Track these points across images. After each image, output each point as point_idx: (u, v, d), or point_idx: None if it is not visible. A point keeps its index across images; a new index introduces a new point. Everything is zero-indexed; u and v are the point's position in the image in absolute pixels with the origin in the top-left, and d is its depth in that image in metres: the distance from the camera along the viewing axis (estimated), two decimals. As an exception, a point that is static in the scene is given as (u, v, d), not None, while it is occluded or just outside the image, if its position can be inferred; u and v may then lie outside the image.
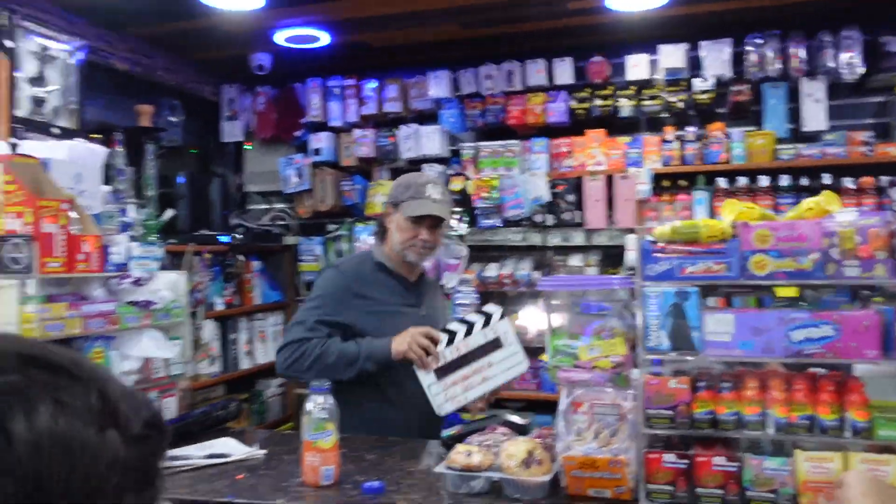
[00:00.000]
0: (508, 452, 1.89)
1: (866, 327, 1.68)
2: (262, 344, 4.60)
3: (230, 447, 2.32)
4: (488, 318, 2.45)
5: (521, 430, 2.20)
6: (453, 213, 2.72)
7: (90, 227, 2.32)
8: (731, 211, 1.87)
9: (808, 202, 1.83)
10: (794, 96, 3.99)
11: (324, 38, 4.21)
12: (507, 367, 2.43)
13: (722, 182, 3.90)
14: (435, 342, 2.39)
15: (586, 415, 1.96)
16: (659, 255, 1.82)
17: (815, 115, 3.90)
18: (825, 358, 1.71)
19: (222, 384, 4.30)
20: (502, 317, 2.47)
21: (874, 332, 1.67)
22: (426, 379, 2.39)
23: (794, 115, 4.00)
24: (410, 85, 4.59)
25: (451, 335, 2.42)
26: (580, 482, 1.84)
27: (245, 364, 4.48)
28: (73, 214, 2.25)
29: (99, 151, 2.51)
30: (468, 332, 2.42)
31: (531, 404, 3.92)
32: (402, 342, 2.38)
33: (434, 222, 2.54)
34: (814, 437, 1.72)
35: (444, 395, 2.39)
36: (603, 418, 1.95)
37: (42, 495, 0.50)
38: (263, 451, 2.31)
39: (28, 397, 0.52)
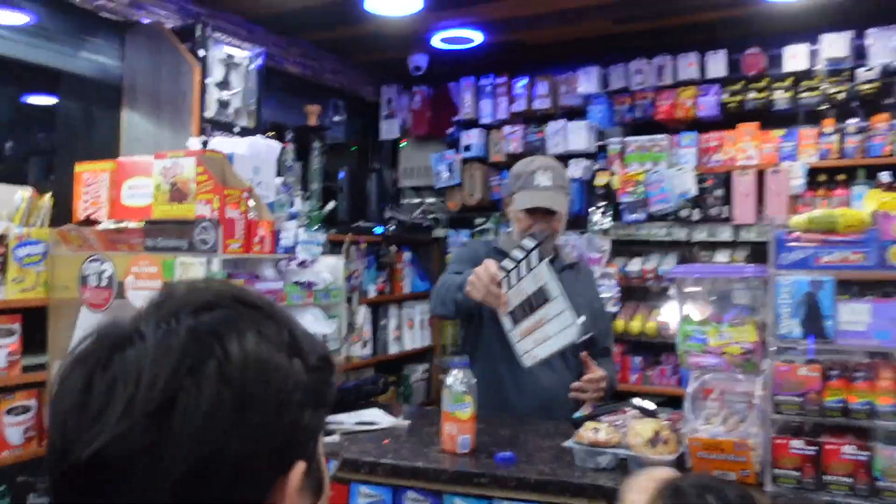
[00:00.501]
0: (635, 431, 1.97)
1: None
2: (409, 331, 4.87)
3: (378, 416, 2.54)
4: (527, 253, 2.19)
5: (650, 414, 2.26)
6: (568, 195, 2.62)
7: (265, 213, 2.62)
8: (874, 201, 1.85)
9: (956, 192, 1.78)
10: (971, 85, 3.72)
11: (477, 38, 4.40)
12: (560, 327, 2.17)
13: (885, 176, 3.70)
14: (496, 281, 2.20)
15: (717, 401, 2.01)
16: (793, 244, 1.83)
17: None
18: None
19: (372, 366, 4.61)
20: (535, 249, 2.19)
21: None
22: (506, 324, 2.24)
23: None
24: (560, 82, 4.69)
25: (507, 275, 2.22)
26: (706, 463, 1.89)
27: (394, 349, 4.76)
28: (251, 202, 2.55)
29: (275, 147, 2.81)
30: (515, 271, 2.20)
31: (671, 400, 3.91)
32: (469, 282, 2.23)
33: (548, 210, 2.49)
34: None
35: (521, 346, 2.23)
36: (733, 405, 1.98)
37: (247, 400, 0.64)
38: (407, 422, 2.51)
39: (239, 327, 0.66)
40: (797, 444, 1.80)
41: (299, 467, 0.67)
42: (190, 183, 2.44)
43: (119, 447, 0.60)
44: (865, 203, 1.86)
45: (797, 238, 1.82)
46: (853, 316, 1.77)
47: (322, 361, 0.72)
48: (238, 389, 0.63)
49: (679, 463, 1.94)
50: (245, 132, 3.61)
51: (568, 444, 2.06)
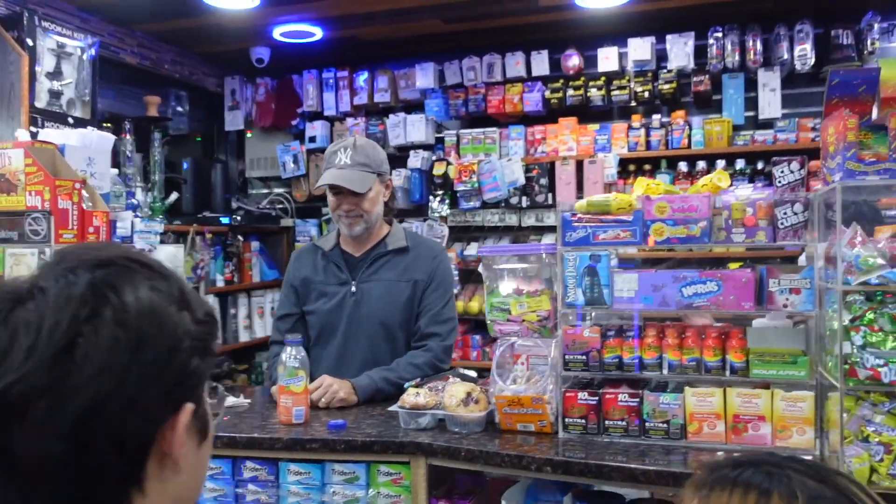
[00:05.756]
0: (450, 393, 2.22)
1: (744, 283, 1.99)
2: (260, 319, 4.96)
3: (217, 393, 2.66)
4: None
5: (469, 380, 2.52)
6: (379, 174, 2.61)
7: (99, 204, 2.67)
8: (641, 187, 2.18)
9: (703, 179, 2.15)
10: (751, 86, 4.28)
11: (317, 33, 4.54)
12: None
13: (683, 166, 4.20)
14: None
15: (524, 364, 2.29)
16: (576, 223, 2.14)
17: (770, 103, 4.19)
18: (710, 310, 2.02)
19: (223, 355, 4.66)
20: None
21: (750, 288, 1.99)
22: None
23: (753, 103, 4.29)
24: (399, 76, 4.91)
25: None
26: (510, 418, 2.17)
27: (244, 337, 4.84)
28: (84, 193, 2.60)
29: (108, 138, 2.85)
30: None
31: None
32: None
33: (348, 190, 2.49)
34: (700, 377, 2.04)
35: None
36: (537, 368, 2.27)
37: (142, 342, 0.70)
38: (248, 401, 2.64)
39: (133, 281, 0.73)
40: (583, 395, 2.11)
41: (188, 408, 0.75)
42: (19, 174, 2.46)
43: (21, 387, 0.66)
44: (635, 188, 2.19)
45: (579, 219, 2.13)
46: (625, 285, 2.10)
47: (208, 317, 0.80)
48: (133, 332, 0.70)
49: (489, 420, 2.21)
50: (79, 123, 3.58)
51: (393, 408, 2.27)
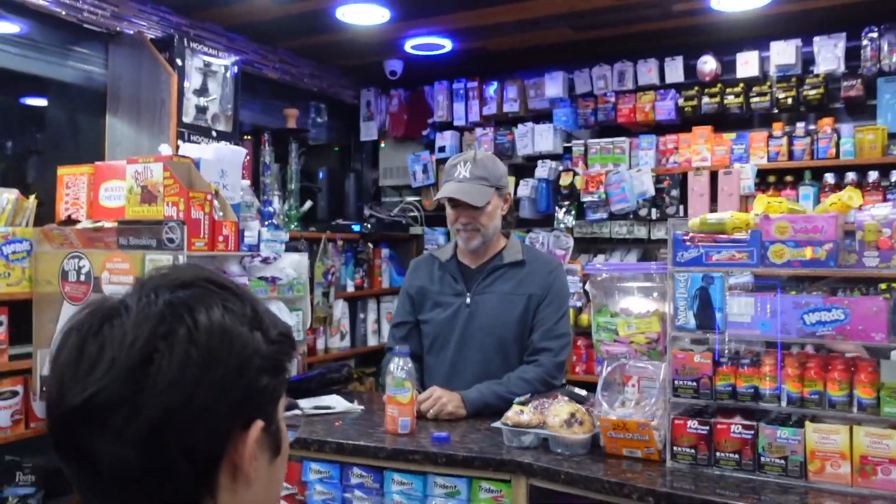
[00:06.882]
0: (553, 413, 2.18)
1: (875, 312, 1.82)
2: (388, 324, 5.08)
3: (335, 402, 2.75)
4: None
5: (579, 400, 2.46)
6: (497, 188, 2.61)
7: (229, 214, 2.84)
8: (761, 205, 2.05)
9: (832, 197, 1.98)
10: (912, 90, 3.91)
11: (447, 45, 4.60)
12: None
13: (829, 178, 3.90)
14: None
15: (634, 386, 2.21)
16: (688, 243, 2.03)
17: (932, 109, 3.81)
18: (835, 340, 1.86)
19: (352, 357, 4.82)
20: None
21: (882, 317, 1.81)
22: None
23: (914, 109, 3.92)
24: (528, 86, 4.89)
25: None
26: (615, 442, 2.10)
27: (372, 342, 4.98)
28: (216, 204, 2.77)
29: (240, 152, 3.02)
30: None
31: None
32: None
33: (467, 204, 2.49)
34: (824, 411, 1.88)
35: None
36: (648, 391, 2.19)
37: (211, 360, 0.75)
38: (361, 407, 2.71)
39: (208, 302, 0.78)
40: (693, 423, 2.01)
41: (258, 425, 0.79)
42: (158, 186, 2.65)
43: (104, 396, 0.72)
44: (755, 206, 2.05)
45: (692, 238, 2.02)
46: (740, 308, 1.98)
47: (282, 336, 0.84)
48: (204, 350, 0.75)
49: (593, 442, 2.14)
50: (222, 136, 3.82)
51: (497, 424, 2.26)
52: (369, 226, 4.95)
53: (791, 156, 4.05)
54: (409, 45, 4.62)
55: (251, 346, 0.79)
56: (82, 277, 2.81)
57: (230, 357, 0.76)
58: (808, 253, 1.90)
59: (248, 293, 0.86)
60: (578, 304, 4.41)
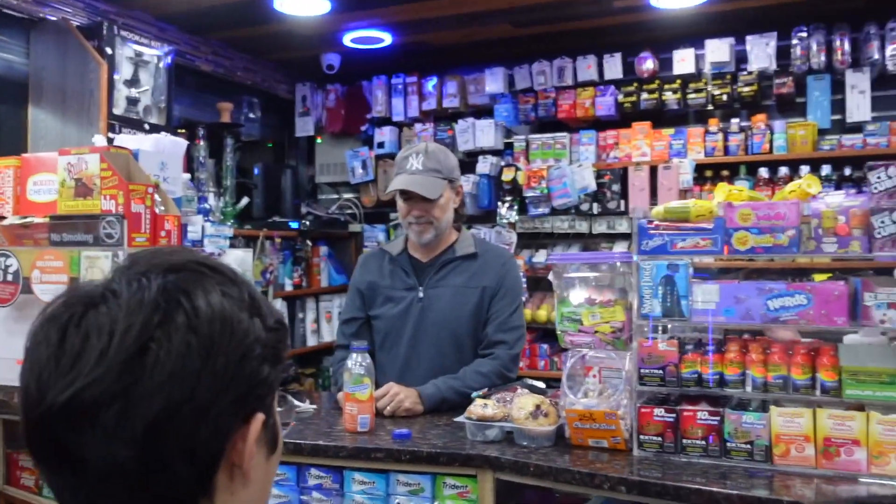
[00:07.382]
0: (518, 405, 2.15)
1: (836, 297, 1.86)
2: (327, 323, 4.98)
3: (288, 402, 2.66)
4: None
5: (537, 391, 2.45)
6: (450, 180, 2.58)
7: (171, 208, 2.70)
8: (722, 193, 2.07)
9: (791, 185, 2.02)
10: (838, 88, 4.07)
11: (387, 39, 4.53)
12: None
13: (764, 172, 4.02)
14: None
15: (596, 377, 2.20)
16: (653, 231, 2.04)
17: (859, 106, 3.97)
18: (798, 325, 1.89)
19: (290, 358, 4.70)
20: None
21: (843, 302, 1.85)
22: None
23: (839, 106, 4.08)
24: (468, 81, 4.87)
25: None
26: (581, 433, 2.08)
27: (312, 341, 4.86)
28: (157, 197, 2.63)
29: (181, 144, 2.88)
30: None
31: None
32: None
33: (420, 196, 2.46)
34: (788, 395, 1.91)
35: None
36: (610, 381, 2.18)
37: (213, 349, 0.68)
38: (314, 407, 2.63)
39: (205, 286, 0.71)
40: (659, 411, 2.01)
41: (258, 418, 0.73)
42: (94, 178, 2.50)
43: (93, 392, 0.65)
44: (716, 194, 2.07)
45: (656, 227, 2.03)
46: (705, 296, 1.99)
47: (278, 324, 0.78)
48: (205, 338, 0.68)
49: (559, 434, 2.13)
50: (155, 129, 3.65)
51: (459, 419, 2.22)
52: (307, 223, 4.83)
53: (727, 151, 4.15)
54: (347, 39, 4.53)
55: (252, 334, 0.73)
56: (10, 277, 2.62)
57: (232, 346, 0.70)
58: (770, 239, 1.92)
59: (242, 277, 0.79)
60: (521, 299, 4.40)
